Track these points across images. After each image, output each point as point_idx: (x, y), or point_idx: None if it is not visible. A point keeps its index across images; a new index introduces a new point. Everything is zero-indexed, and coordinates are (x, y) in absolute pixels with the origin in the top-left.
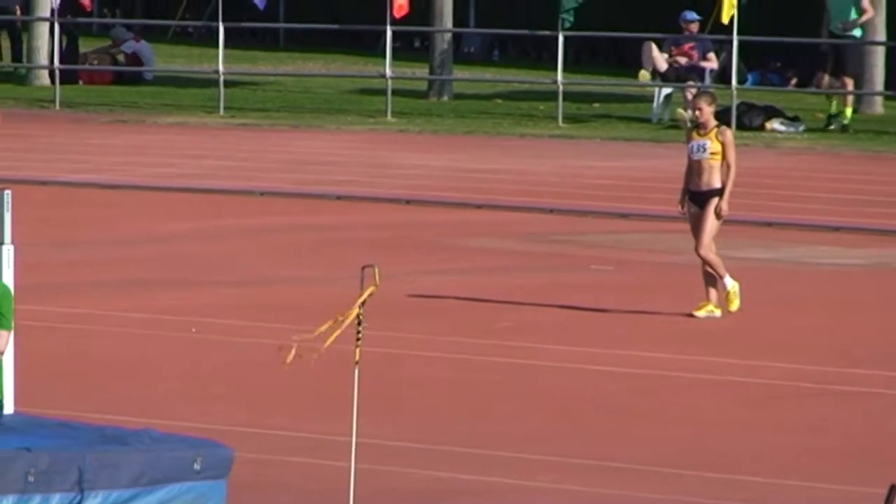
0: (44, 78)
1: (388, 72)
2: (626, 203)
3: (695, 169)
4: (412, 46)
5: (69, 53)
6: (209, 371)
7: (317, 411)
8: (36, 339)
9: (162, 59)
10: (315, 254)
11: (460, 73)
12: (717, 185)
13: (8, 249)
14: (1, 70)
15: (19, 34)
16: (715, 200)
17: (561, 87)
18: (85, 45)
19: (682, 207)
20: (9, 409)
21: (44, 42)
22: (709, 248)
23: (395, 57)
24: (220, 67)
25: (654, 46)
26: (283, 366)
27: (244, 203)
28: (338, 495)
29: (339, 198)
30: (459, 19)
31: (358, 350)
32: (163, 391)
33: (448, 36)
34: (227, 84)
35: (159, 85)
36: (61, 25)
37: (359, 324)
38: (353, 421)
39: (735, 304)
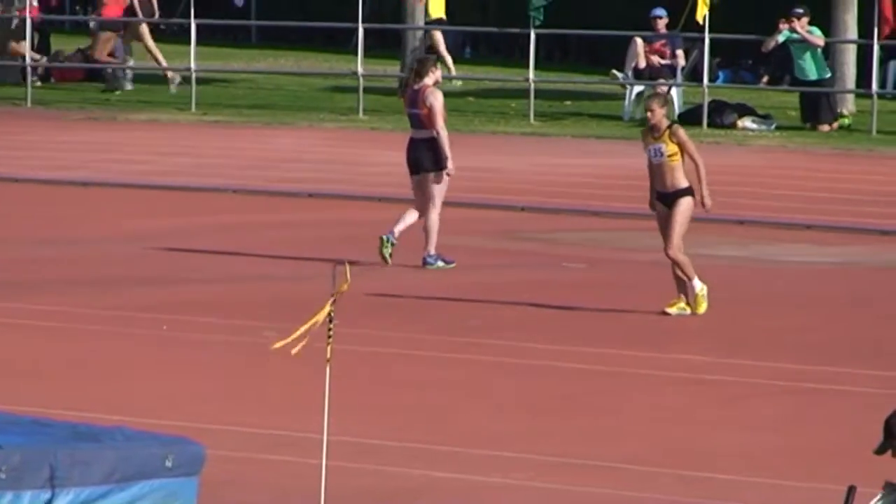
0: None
1: (360, 69)
2: (598, 201)
3: (657, 172)
4: (385, 43)
5: (41, 51)
6: (181, 369)
7: (289, 409)
8: (7, 336)
9: (135, 56)
10: (287, 251)
11: None
12: (684, 184)
13: None
14: None
15: None
16: (683, 200)
17: (533, 85)
18: (57, 43)
19: (654, 209)
20: None
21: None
22: (678, 249)
23: (367, 54)
24: (193, 65)
25: (640, 42)
26: (272, 351)
27: (216, 200)
28: (311, 493)
29: (310, 195)
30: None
31: (329, 348)
32: (135, 389)
33: (420, 33)
34: (200, 81)
35: (132, 82)
36: (33, 22)
37: (330, 321)
38: (324, 418)
39: (703, 307)
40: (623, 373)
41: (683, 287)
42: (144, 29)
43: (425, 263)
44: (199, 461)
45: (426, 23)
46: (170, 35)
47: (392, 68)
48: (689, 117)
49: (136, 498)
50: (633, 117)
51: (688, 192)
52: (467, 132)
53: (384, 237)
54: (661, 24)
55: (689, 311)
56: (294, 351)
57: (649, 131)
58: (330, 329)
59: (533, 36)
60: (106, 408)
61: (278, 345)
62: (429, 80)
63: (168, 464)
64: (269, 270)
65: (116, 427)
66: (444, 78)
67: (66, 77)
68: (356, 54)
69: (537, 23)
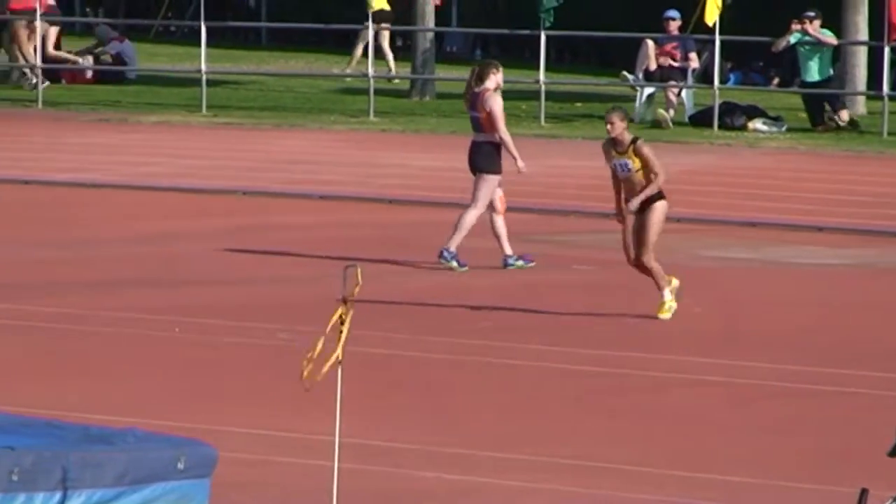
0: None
1: (371, 71)
2: (609, 203)
3: (626, 186)
4: (394, 45)
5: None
6: (193, 371)
7: (301, 411)
8: (17, 338)
9: (144, 58)
10: (297, 253)
11: (443, 72)
12: (654, 191)
13: None
14: None
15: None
16: (658, 205)
17: (543, 87)
18: (68, 45)
19: (622, 220)
20: None
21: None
22: (652, 258)
23: (377, 56)
24: (203, 66)
25: (651, 44)
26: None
27: (227, 202)
28: (322, 495)
29: (321, 197)
30: (442, 19)
31: (340, 349)
32: (147, 391)
33: (430, 35)
34: (210, 83)
35: (142, 84)
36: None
37: (342, 323)
38: (336, 420)
39: (666, 315)
40: (633, 375)
41: (659, 284)
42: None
43: (441, 257)
44: (211, 463)
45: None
46: (180, 37)
47: (402, 70)
48: (700, 119)
49: (148, 500)
50: (644, 119)
51: (659, 196)
52: None
53: (506, 263)
54: (674, 27)
55: (675, 304)
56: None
57: (612, 145)
58: (341, 331)
59: (543, 37)
60: (118, 409)
61: (307, 374)
62: (490, 83)
63: (180, 466)
64: (280, 272)
65: (128, 429)
66: (385, 77)
67: (77, 79)
68: (366, 56)
69: (547, 24)
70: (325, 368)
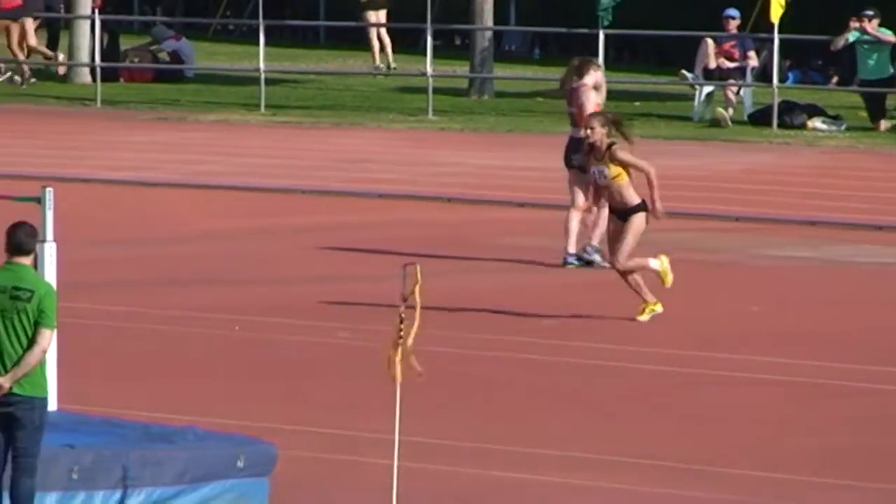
0: (85, 76)
1: (429, 70)
2: (669, 202)
3: (604, 192)
4: (453, 44)
5: (110, 51)
6: (253, 369)
7: (361, 409)
8: (78, 337)
9: (203, 56)
10: (356, 252)
11: (501, 71)
12: (635, 200)
13: (50, 247)
14: (34, 68)
15: (58, 32)
16: (636, 217)
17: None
18: (126, 44)
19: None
20: (52, 406)
21: (84, 40)
22: (627, 259)
23: (435, 55)
24: (262, 65)
25: (710, 43)
26: (420, 377)
27: (285, 201)
28: (382, 493)
29: (380, 196)
30: (500, 17)
31: (400, 349)
32: (207, 389)
33: (489, 34)
34: (269, 82)
35: (200, 83)
36: (102, 23)
37: (401, 322)
38: (396, 419)
39: (645, 316)
40: (690, 373)
41: (641, 291)
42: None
43: (584, 252)
44: (270, 461)
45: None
46: (238, 36)
47: (461, 69)
48: (760, 118)
49: (207, 498)
50: (703, 118)
51: (640, 207)
52: (537, 132)
53: (566, 261)
54: (733, 25)
55: (660, 308)
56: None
57: (591, 150)
58: (400, 330)
59: (602, 36)
60: (178, 408)
61: (399, 377)
62: (588, 79)
63: (240, 464)
64: (339, 271)
65: (188, 427)
66: (375, 74)
67: (135, 78)
68: (425, 54)
69: (606, 23)
70: (400, 365)
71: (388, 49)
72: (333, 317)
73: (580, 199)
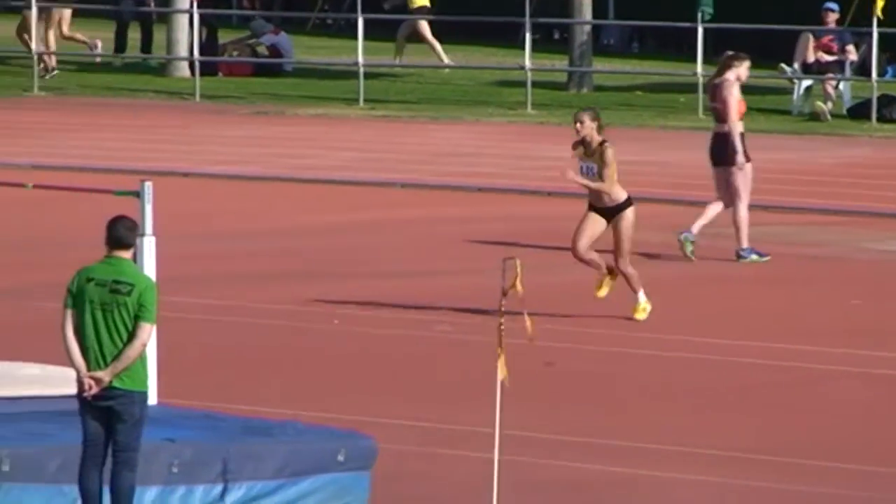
0: (184, 70)
1: (528, 64)
2: (769, 195)
3: (591, 189)
4: (551, 38)
5: (208, 45)
6: (352, 362)
7: (461, 402)
8: (178, 331)
9: (302, 51)
10: (455, 246)
11: (600, 64)
12: (622, 196)
13: (149, 241)
14: (134, 62)
15: (151, 26)
16: (626, 214)
17: (701, 79)
18: (224, 38)
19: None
20: (152, 401)
21: (183, 34)
22: (627, 263)
23: (534, 49)
24: (360, 59)
25: (809, 37)
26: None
27: (384, 195)
28: (482, 486)
29: (479, 189)
30: (598, 11)
31: (501, 342)
32: (307, 383)
33: (587, 28)
34: (367, 76)
35: (299, 77)
36: (200, 17)
37: (501, 316)
38: (496, 412)
39: (642, 316)
40: (791, 367)
41: (601, 269)
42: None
43: (739, 257)
44: (371, 455)
45: (410, 11)
46: (337, 30)
47: (560, 62)
48: (859, 111)
49: (307, 492)
50: (802, 112)
51: (627, 203)
52: (636, 126)
53: (681, 237)
54: (832, 19)
55: (649, 306)
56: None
57: (581, 145)
58: (501, 324)
59: (700, 30)
60: (278, 401)
61: (503, 376)
62: (730, 75)
63: (340, 458)
64: (438, 265)
65: (288, 421)
66: (436, 67)
67: (234, 72)
68: (524, 48)
69: (707, 17)
70: (503, 364)
71: (437, 46)
72: (432, 310)
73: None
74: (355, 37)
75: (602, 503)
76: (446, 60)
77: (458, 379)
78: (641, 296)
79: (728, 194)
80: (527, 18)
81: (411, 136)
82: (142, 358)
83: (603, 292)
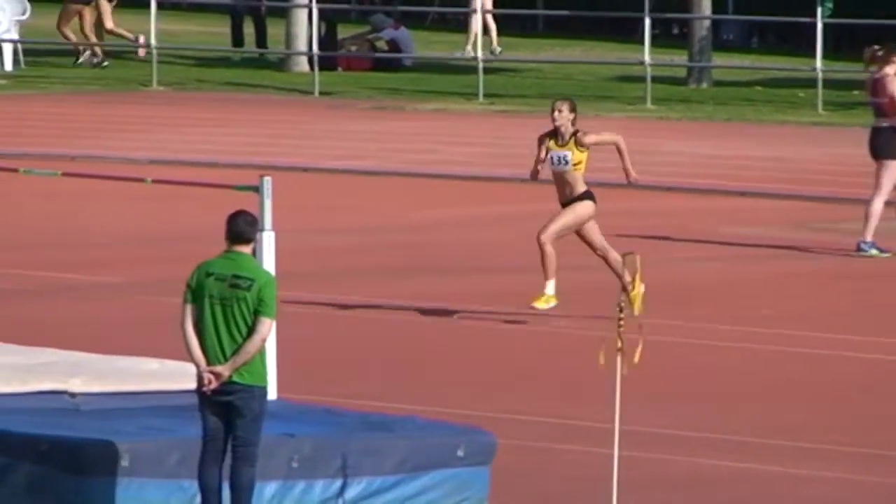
0: (303, 64)
1: (648, 59)
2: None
3: (557, 180)
4: (670, 33)
5: (327, 40)
6: (471, 358)
7: (579, 398)
8: (297, 325)
9: (421, 45)
10: (575, 241)
11: (719, 59)
12: (583, 189)
13: (269, 236)
14: (252, 57)
15: (263, 21)
16: (584, 202)
17: (820, 75)
18: (343, 33)
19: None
20: (272, 395)
21: (302, 28)
22: (550, 238)
23: (653, 44)
24: (479, 54)
25: None
26: (600, 366)
27: (504, 190)
28: (601, 482)
29: (600, 185)
30: (718, 6)
31: (619, 338)
32: (425, 378)
33: (707, 23)
34: (487, 71)
35: (418, 71)
36: (319, 12)
37: (620, 311)
38: (615, 408)
39: (542, 306)
40: None
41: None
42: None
43: (859, 249)
44: (490, 451)
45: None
46: (456, 25)
47: (679, 58)
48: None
49: (427, 487)
50: None
51: (587, 195)
52: (755, 121)
53: (860, 248)
54: None
55: (553, 302)
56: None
57: (553, 136)
58: (620, 319)
59: (820, 25)
60: (396, 397)
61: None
62: (889, 69)
63: (460, 453)
64: (559, 260)
65: (408, 416)
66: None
67: (353, 66)
68: (643, 44)
69: (827, 13)
70: (629, 356)
71: (493, 33)
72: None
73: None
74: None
75: (720, 499)
76: (496, 47)
77: (576, 374)
78: (550, 286)
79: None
80: (646, 14)
81: (530, 132)
82: (261, 353)
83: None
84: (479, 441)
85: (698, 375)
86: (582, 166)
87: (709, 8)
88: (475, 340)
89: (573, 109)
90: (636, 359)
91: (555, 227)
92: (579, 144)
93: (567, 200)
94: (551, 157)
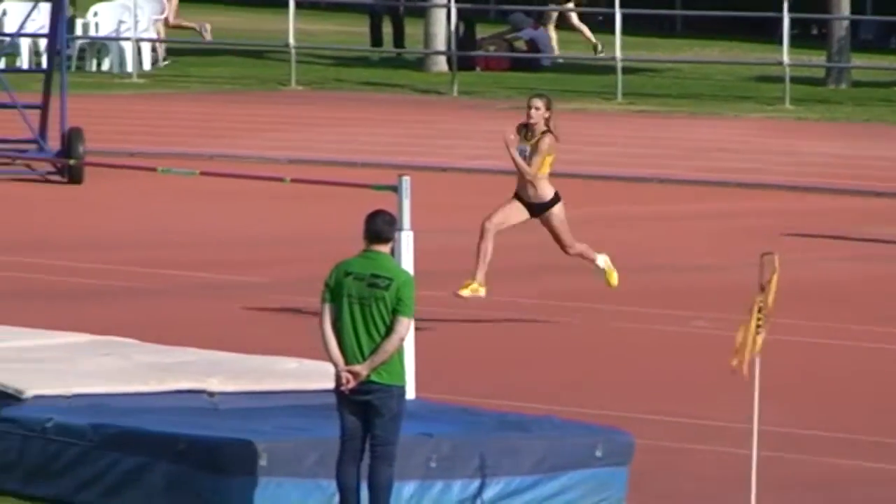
0: (441, 64)
1: (786, 59)
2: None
3: (519, 175)
4: (809, 34)
5: (466, 39)
6: (607, 358)
7: (716, 399)
8: (435, 325)
9: (560, 45)
10: (713, 241)
11: (858, 60)
12: (549, 194)
13: (407, 235)
14: (388, 56)
15: (401, 21)
16: (553, 212)
17: None
18: (482, 32)
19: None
20: (410, 395)
21: (440, 28)
22: (573, 244)
23: (792, 44)
24: (618, 54)
25: None
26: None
27: (642, 190)
28: (738, 482)
29: (738, 185)
30: (857, 6)
31: (759, 338)
32: (561, 378)
33: (846, 23)
34: (625, 71)
35: (556, 71)
36: (458, 11)
37: (760, 311)
38: (754, 409)
39: (465, 292)
40: None
41: (476, 270)
42: None
43: None
44: (628, 451)
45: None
46: (595, 24)
47: (818, 58)
48: None
49: (565, 487)
50: None
51: (554, 201)
52: (893, 123)
53: None
54: None
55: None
56: (740, 364)
57: (524, 129)
58: (759, 319)
59: None
60: (535, 397)
61: (736, 363)
62: None
63: (598, 453)
64: (694, 260)
65: (545, 416)
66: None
67: (491, 66)
68: (782, 44)
69: None
70: (747, 357)
71: (588, 32)
72: (688, 305)
73: None
74: (613, 31)
75: (856, 499)
76: (596, 43)
77: (713, 375)
78: (601, 259)
79: None
80: (785, 14)
81: (669, 132)
82: (399, 352)
83: (465, 293)
84: (618, 441)
85: (838, 376)
86: (546, 169)
87: (848, 8)
88: (611, 340)
89: (548, 108)
90: (755, 354)
91: (567, 242)
92: (537, 144)
93: (530, 201)
94: (518, 149)
